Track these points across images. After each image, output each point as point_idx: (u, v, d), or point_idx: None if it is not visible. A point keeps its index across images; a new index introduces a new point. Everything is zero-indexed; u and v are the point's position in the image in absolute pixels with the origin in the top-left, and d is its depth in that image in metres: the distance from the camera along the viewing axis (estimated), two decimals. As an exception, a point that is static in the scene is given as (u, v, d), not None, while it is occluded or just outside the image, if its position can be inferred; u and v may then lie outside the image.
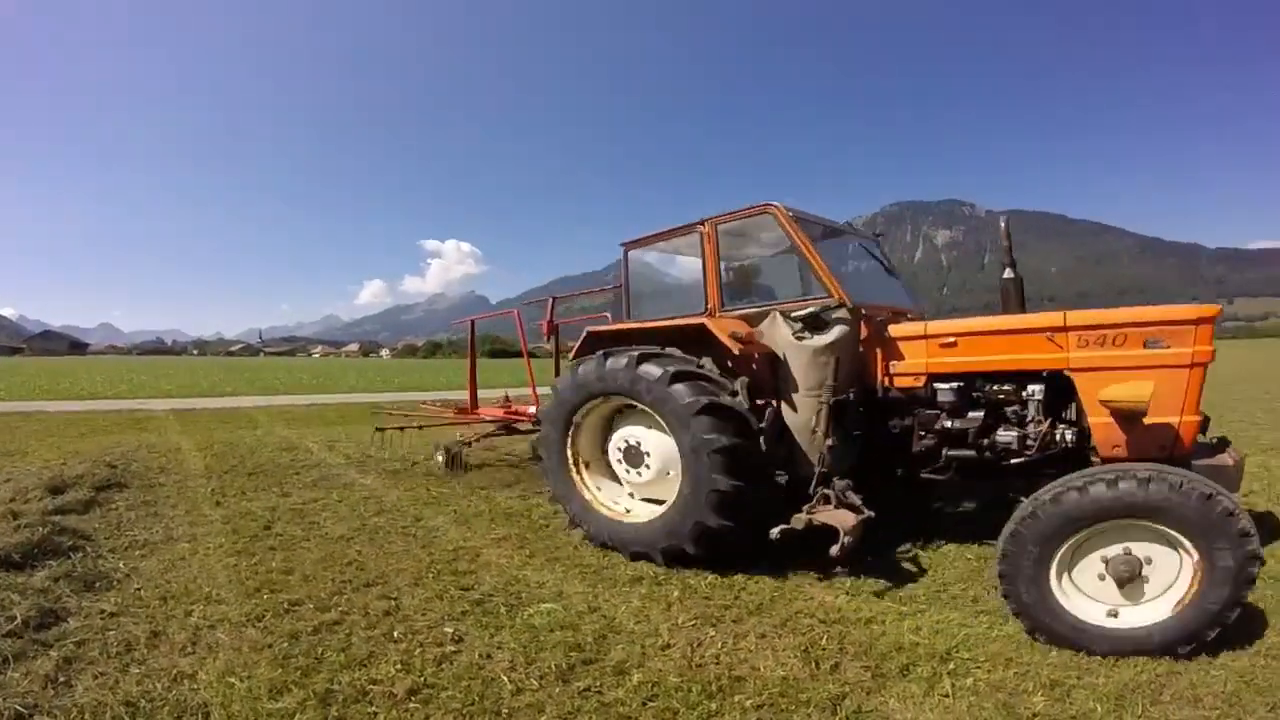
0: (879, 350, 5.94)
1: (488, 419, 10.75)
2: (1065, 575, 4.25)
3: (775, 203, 6.22)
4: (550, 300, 9.38)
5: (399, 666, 3.98)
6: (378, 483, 9.29)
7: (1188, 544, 3.91)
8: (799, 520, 5.27)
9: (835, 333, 5.61)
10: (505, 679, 3.84)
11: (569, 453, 6.78)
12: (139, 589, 5.24)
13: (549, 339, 9.39)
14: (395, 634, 4.45)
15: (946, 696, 3.70)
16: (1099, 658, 4.04)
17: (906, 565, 5.84)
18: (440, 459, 10.12)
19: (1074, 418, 5.21)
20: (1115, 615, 4.15)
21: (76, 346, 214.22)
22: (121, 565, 5.75)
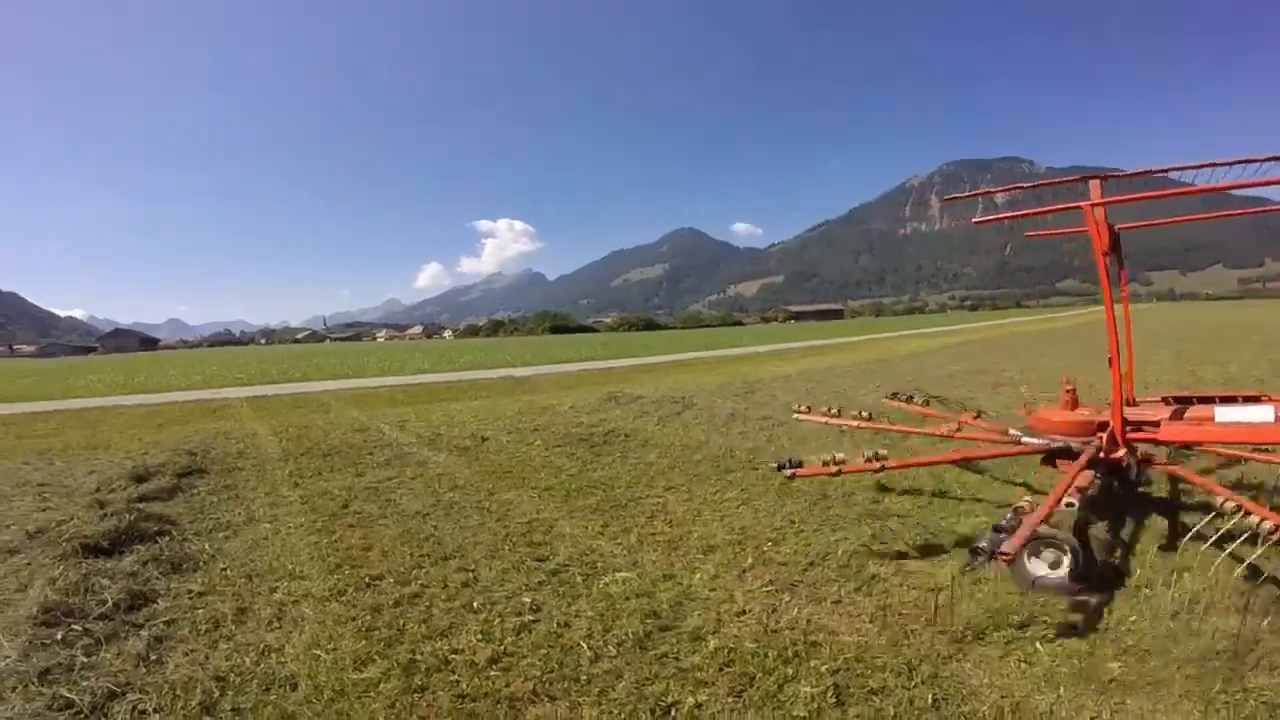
0: None
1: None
2: None
3: None
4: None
5: (479, 636, 4.07)
6: (450, 460, 9.39)
7: None
8: None
9: None
10: (584, 646, 3.91)
11: None
12: (225, 569, 5.40)
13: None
14: (474, 605, 4.54)
15: (1024, 662, 3.72)
16: (1178, 626, 4.00)
17: (989, 524, 5.75)
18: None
19: None
20: None
21: (147, 342, 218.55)
22: (207, 547, 5.91)
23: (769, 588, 4.71)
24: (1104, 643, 3.89)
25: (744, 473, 8.05)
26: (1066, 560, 4.43)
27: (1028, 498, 4.98)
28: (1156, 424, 5.55)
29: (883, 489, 6.98)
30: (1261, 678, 3.51)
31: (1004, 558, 3.88)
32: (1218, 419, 5.40)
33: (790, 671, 3.63)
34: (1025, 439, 6.04)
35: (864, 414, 7.45)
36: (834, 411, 7.61)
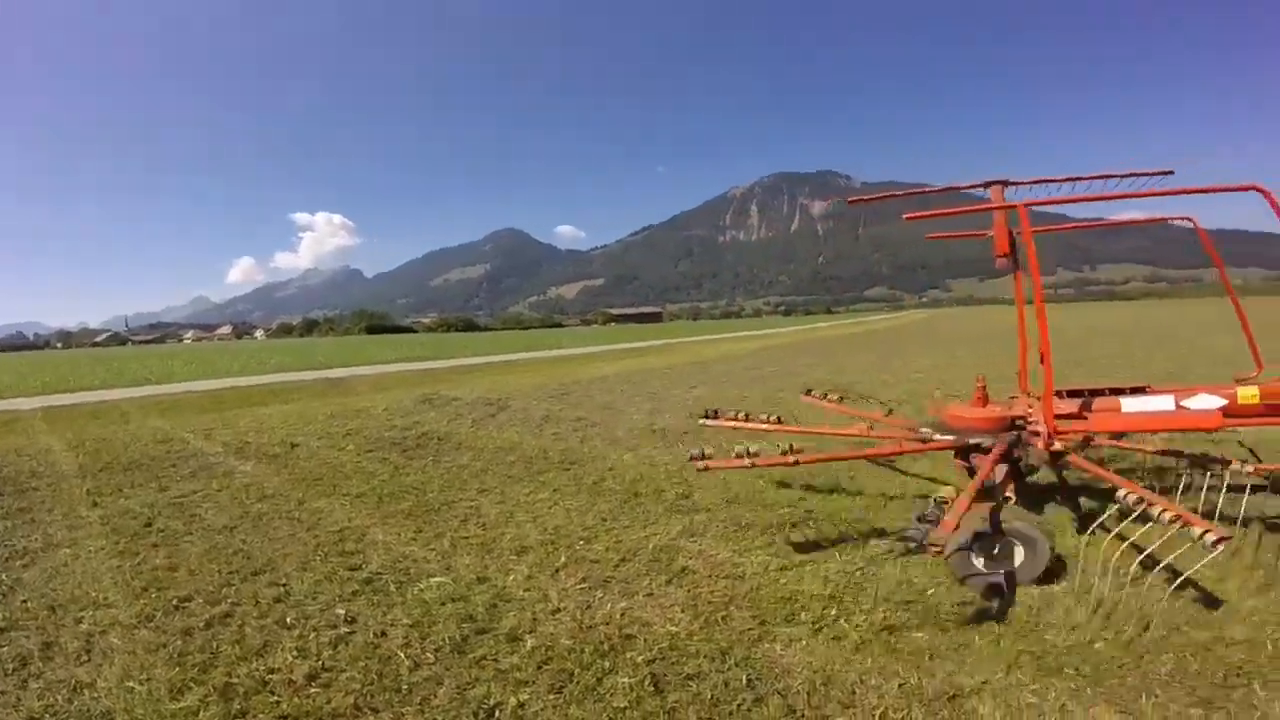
0: None
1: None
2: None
3: None
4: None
5: (295, 653, 4.00)
6: (259, 469, 9.14)
7: None
8: None
9: None
10: (402, 655, 3.90)
11: None
12: (25, 601, 5.09)
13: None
14: (288, 620, 4.45)
15: (835, 638, 3.94)
16: (974, 595, 4.39)
17: (790, 517, 6.17)
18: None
19: None
20: None
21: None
22: (4, 578, 5.57)
23: (583, 585, 4.81)
24: (912, 614, 4.17)
25: (557, 473, 8.18)
26: (1020, 551, 4.57)
27: (948, 488, 5.24)
28: (1085, 416, 5.69)
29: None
30: (1058, 636, 3.88)
31: (934, 550, 3.95)
32: (1124, 410, 5.67)
33: (608, 664, 3.72)
34: (937, 436, 6.18)
35: (773, 417, 7.46)
36: (742, 416, 7.58)
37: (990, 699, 3.38)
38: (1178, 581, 4.19)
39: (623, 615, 4.30)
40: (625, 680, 3.57)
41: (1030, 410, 5.87)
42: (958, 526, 4.25)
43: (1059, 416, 5.54)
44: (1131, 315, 59.98)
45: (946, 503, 4.84)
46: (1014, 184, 6.09)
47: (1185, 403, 5.59)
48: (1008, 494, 5.02)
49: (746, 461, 5.76)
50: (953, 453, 6.19)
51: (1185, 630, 3.96)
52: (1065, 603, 4.25)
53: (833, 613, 4.22)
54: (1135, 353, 21.03)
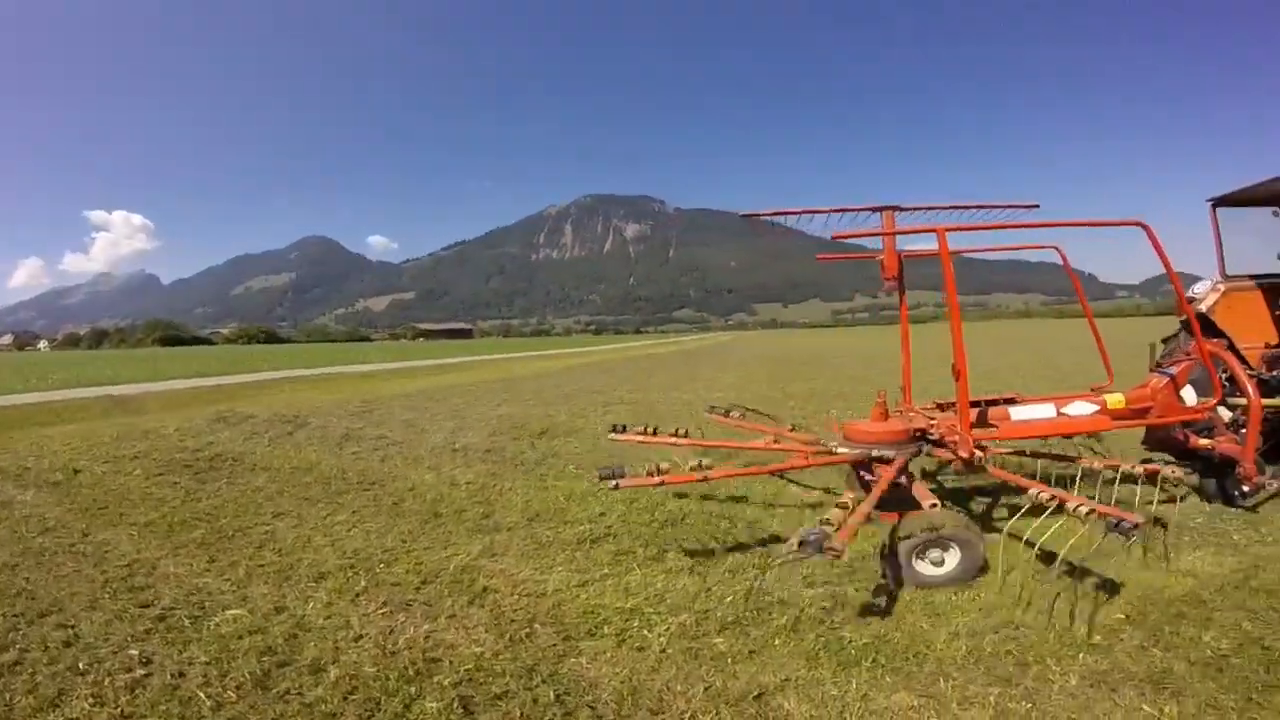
0: None
1: None
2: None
3: None
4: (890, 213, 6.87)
5: (91, 701, 3.78)
6: (39, 498, 8.54)
7: None
8: None
9: None
10: (202, 695, 3.75)
11: None
12: None
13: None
14: (80, 665, 4.19)
15: (639, 648, 4.04)
16: (770, 598, 4.68)
17: (591, 533, 6.31)
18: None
19: None
20: None
21: None
22: None
23: (384, 609, 4.75)
24: (712, 621, 4.34)
25: (356, 494, 8.03)
26: (954, 555, 4.86)
27: (852, 495, 5.25)
28: (997, 425, 6.14)
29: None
30: (853, 630, 4.17)
31: (833, 553, 4.09)
32: (1014, 419, 6.21)
33: (414, 690, 3.68)
34: (840, 449, 6.28)
35: (681, 431, 7.49)
36: (651, 430, 7.58)
37: (794, 694, 3.54)
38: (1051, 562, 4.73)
39: (426, 639, 4.27)
40: (433, 705, 3.56)
41: (932, 422, 6.30)
42: (856, 533, 4.51)
43: (977, 425, 5.95)
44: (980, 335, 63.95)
45: (848, 508, 4.97)
46: (904, 209, 6.61)
47: (1065, 410, 6.23)
48: (934, 501, 5.25)
49: (657, 480, 5.76)
50: (852, 466, 6.42)
51: (979, 615, 4.37)
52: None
53: (635, 624, 4.33)
54: (990, 368, 22.46)
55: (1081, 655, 3.90)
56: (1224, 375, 6.43)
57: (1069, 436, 7.38)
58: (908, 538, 4.90)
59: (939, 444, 6.17)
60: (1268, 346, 7.37)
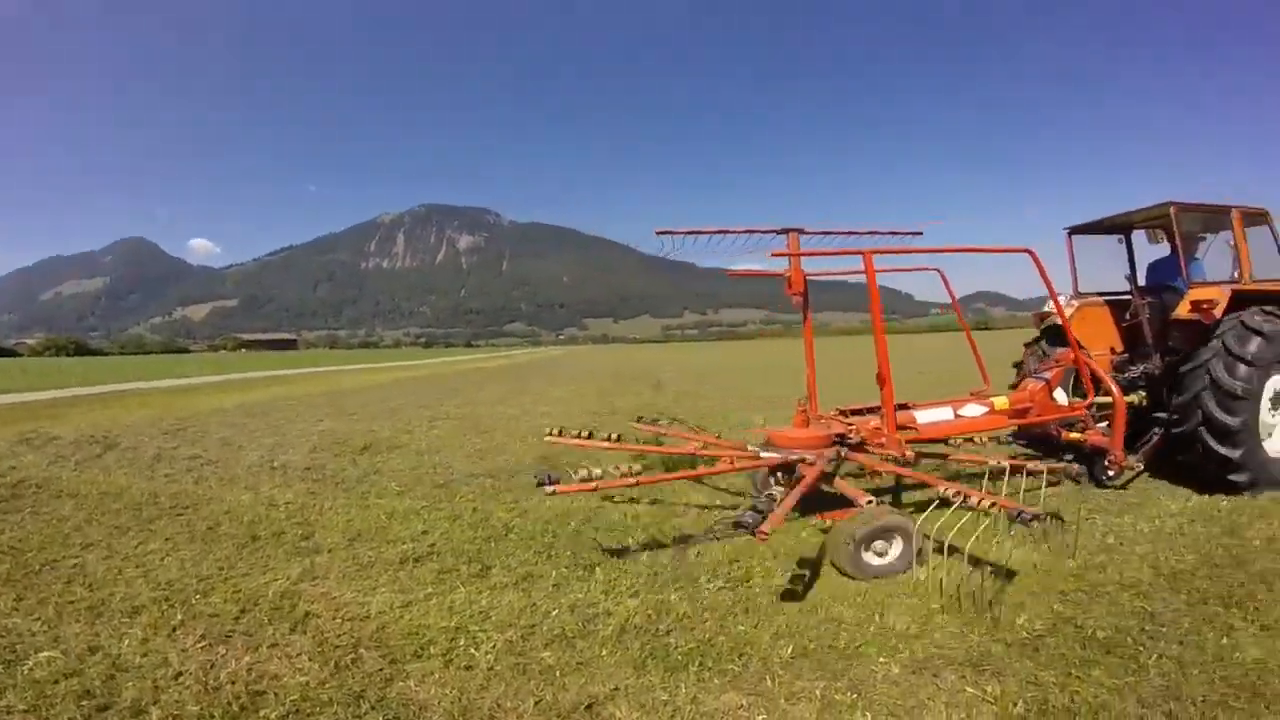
0: None
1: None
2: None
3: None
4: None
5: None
6: None
7: None
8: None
9: None
10: (24, 746, 3.51)
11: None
12: None
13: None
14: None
15: (467, 667, 3.98)
16: (596, 609, 4.69)
17: (414, 552, 6.17)
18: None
19: None
20: None
21: None
22: None
23: (203, 643, 4.52)
24: (538, 636, 4.31)
25: (169, 520, 7.59)
26: (897, 545, 5.25)
27: (779, 488, 5.79)
28: (915, 428, 6.96)
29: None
30: (679, 637, 4.21)
31: (761, 537, 4.61)
32: (920, 422, 7.06)
33: None
34: (764, 454, 6.63)
35: (614, 436, 7.76)
36: (585, 435, 7.79)
37: (625, 702, 3.55)
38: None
39: (249, 671, 4.09)
40: (260, 740, 3.41)
41: (850, 427, 6.92)
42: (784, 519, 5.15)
43: (901, 427, 6.75)
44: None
45: (776, 498, 5.48)
46: (807, 232, 7.11)
47: (960, 412, 7.26)
48: (870, 499, 5.64)
49: (592, 484, 6.06)
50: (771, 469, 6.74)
51: (800, 615, 4.49)
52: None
53: (462, 643, 4.27)
54: (846, 379, 22.77)
55: (902, 644, 4.07)
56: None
57: (971, 436, 7.99)
58: (855, 531, 5.22)
59: (857, 447, 6.75)
60: (1114, 353, 8.66)
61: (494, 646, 4.20)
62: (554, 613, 4.67)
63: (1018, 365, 9.32)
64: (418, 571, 5.64)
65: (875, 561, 5.27)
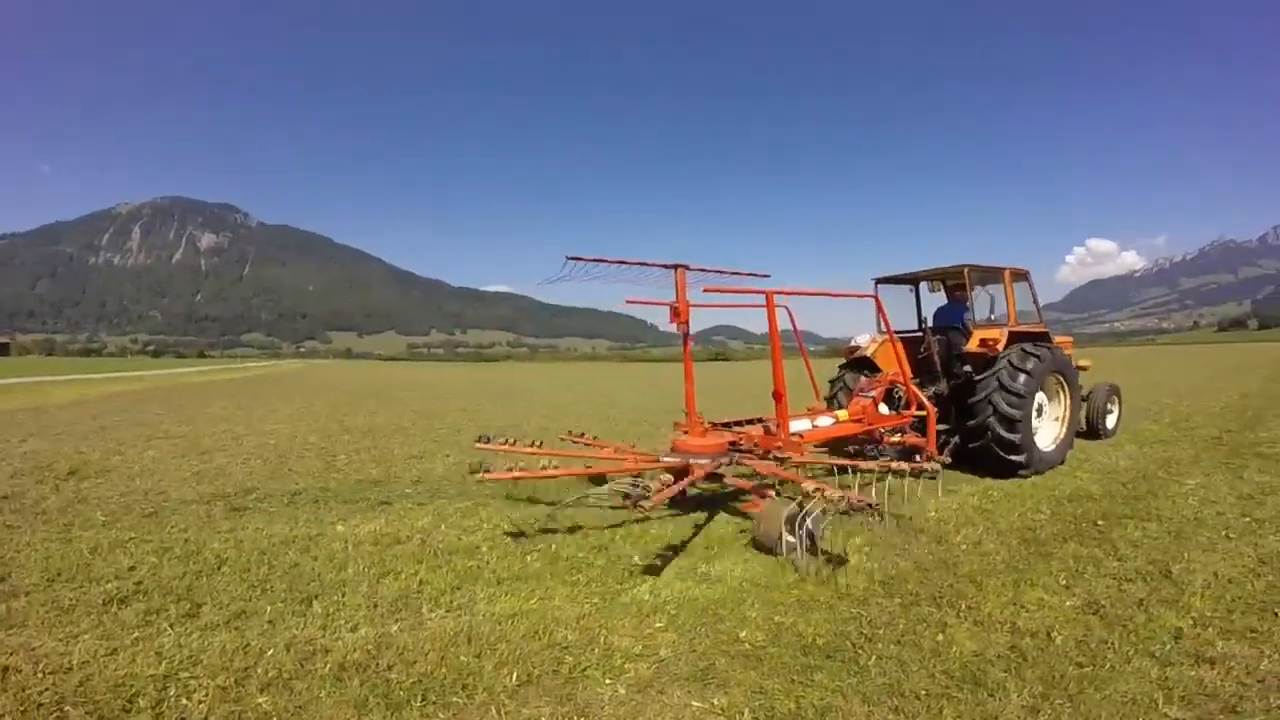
0: None
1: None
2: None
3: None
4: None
5: None
6: None
7: None
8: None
9: None
10: None
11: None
12: None
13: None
14: None
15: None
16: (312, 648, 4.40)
17: (119, 591, 5.57)
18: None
19: None
20: None
21: None
22: None
23: None
24: (250, 679, 4.00)
25: None
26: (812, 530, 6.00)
27: (664, 476, 6.34)
28: (799, 435, 8.14)
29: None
30: (399, 673, 3.99)
31: (642, 508, 5.59)
32: (796, 429, 8.27)
33: None
34: (665, 458, 7.73)
35: (538, 443, 9.09)
36: (512, 441, 8.99)
37: None
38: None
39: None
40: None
41: (741, 435, 8.17)
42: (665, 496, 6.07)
43: (794, 434, 8.04)
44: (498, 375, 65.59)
45: (658, 481, 6.17)
46: (693, 269, 7.98)
47: (816, 422, 8.87)
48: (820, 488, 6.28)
49: (516, 473, 7.36)
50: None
51: (523, 641, 4.36)
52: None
53: (172, 692, 3.91)
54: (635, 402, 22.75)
55: (627, 663, 4.04)
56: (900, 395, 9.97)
57: (840, 439, 9.62)
58: (782, 518, 5.99)
59: (748, 452, 7.88)
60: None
61: (206, 695, 3.88)
62: (269, 652, 4.33)
63: (833, 383, 11.33)
64: (123, 614, 5.13)
65: (790, 546, 5.95)
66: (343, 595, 5.20)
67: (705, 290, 7.88)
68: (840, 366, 11.61)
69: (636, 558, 5.99)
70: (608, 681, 3.83)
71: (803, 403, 9.70)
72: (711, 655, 4.13)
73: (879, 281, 11.35)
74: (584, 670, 3.97)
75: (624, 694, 3.70)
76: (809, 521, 5.96)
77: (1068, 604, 4.95)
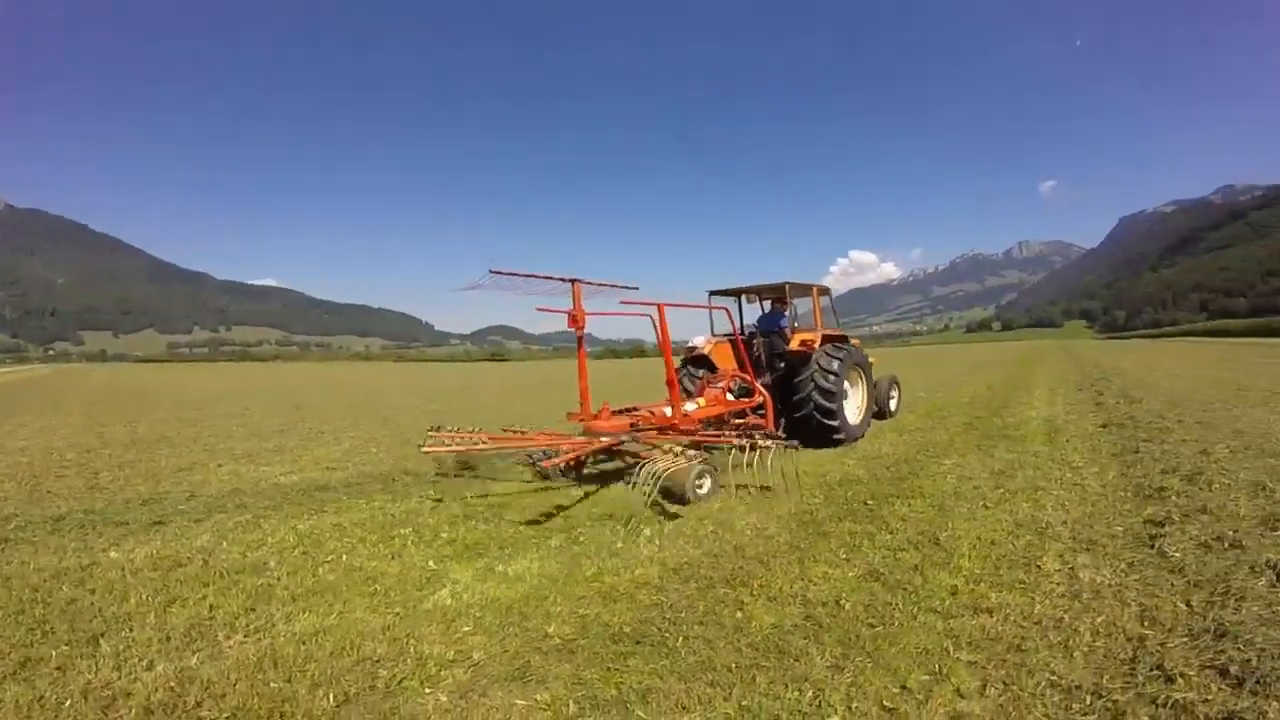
0: None
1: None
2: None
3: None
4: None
5: None
6: None
7: None
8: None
9: None
10: None
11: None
12: None
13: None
14: None
15: None
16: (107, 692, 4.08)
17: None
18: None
19: None
20: None
21: None
22: None
23: None
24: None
25: None
26: (708, 481, 8.13)
27: (565, 446, 9.01)
28: (690, 415, 10.52)
29: None
30: (209, 709, 3.77)
31: (546, 464, 8.22)
32: (686, 410, 10.54)
33: None
34: (578, 436, 9.66)
35: (479, 429, 11.13)
36: (465, 430, 11.02)
37: None
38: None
39: None
40: None
41: (638, 417, 10.08)
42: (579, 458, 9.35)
43: (685, 415, 10.33)
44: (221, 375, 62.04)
45: (560, 450, 8.94)
46: (585, 283, 9.45)
47: (687, 407, 10.72)
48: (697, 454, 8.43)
49: (457, 447, 9.69)
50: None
51: (331, 659, 4.25)
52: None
53: None
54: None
55: (443, 671, 4.01)
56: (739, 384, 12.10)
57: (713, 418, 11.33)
58: (693, 472, 7.95)
59: (647, 430, 9.76)
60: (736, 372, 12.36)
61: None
62: (66, 703, 3.92)
63: (680, 380, 12.50)
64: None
65: (701, 491, 7.99)
66: (130, 630, 4.76)
67: (621, 301, 9.70)
68: (682, 363, 13.24)
69: (432, 563, 5.91)
70: (427, 691, 3.78)
71: (646, 395, 11.58)
72: (525, 653, 4.16)
73: (712, 293, 13.35)
74: (400, 682, 3.90)
75: (447, 701, 3.67)
76: (706, 475, 8.12)
77: (850, 575, 5.31)
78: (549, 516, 7.45)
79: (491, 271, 8.73)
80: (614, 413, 10.29)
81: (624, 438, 9.39)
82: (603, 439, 9.30)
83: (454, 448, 9.60)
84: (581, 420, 9.91)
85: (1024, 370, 33.36)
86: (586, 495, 8.50)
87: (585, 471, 10.10)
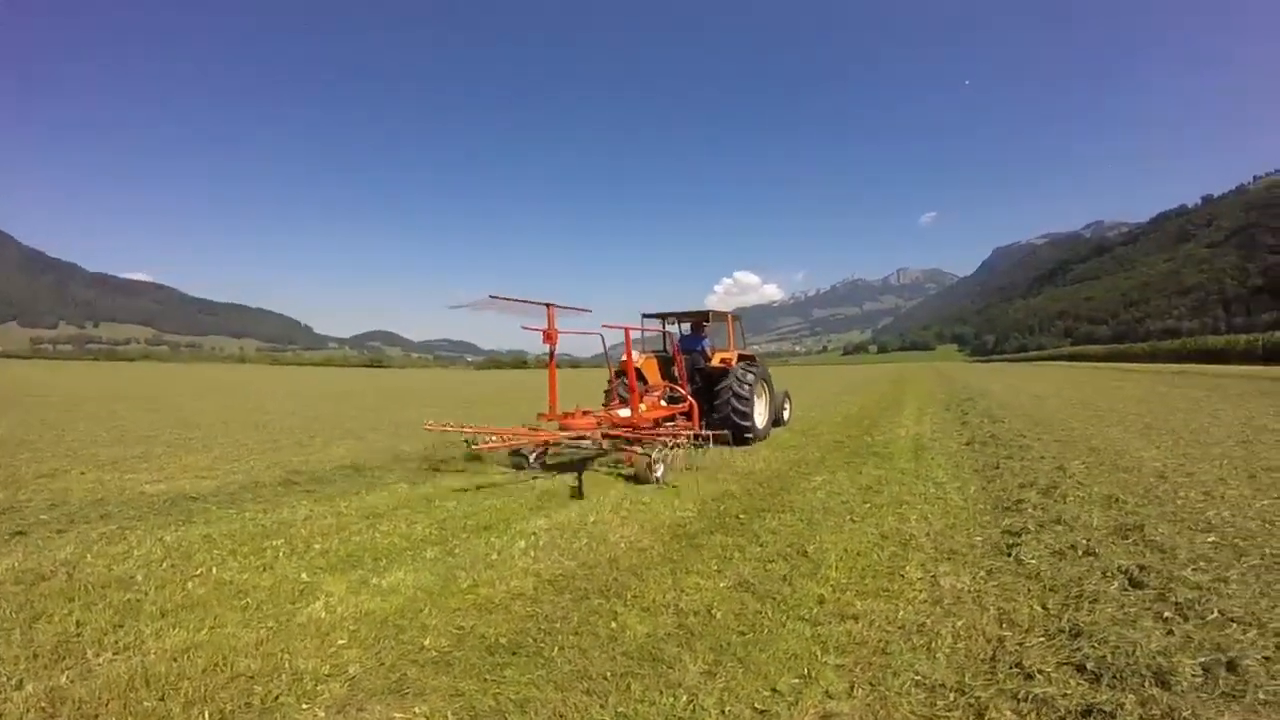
0: None
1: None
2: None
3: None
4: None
5: None
6: None
7: None
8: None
9: None
10: None
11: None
12: None
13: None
14: None
15: None
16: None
17: None
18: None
19: None
20: None
21: None
22: None
23: None
24: None
25: None
26: (660, 466, 9.89)
27: (553, 443, 11.06)
28: (645, 413, 12.66)
29: None
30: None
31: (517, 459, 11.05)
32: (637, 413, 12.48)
33: None
34: (559, 432, 11.03)
35: (468, 425, 12.88)
36: (458, 425, 12.43)
37: None
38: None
39: None
40: None
41: (603, 417, 12.02)
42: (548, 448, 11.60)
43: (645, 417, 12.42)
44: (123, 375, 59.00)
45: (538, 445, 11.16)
46: (559, 307, 11.54)
47: (621, 411, 12.51)
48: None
49: (446, 427, 11.80)
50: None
51: (205, 676, 4.15)
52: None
53: None
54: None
55: (319, 685, 3.97)
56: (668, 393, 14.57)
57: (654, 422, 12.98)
58: (652, 459, 9.89)
59: (614, 426, 11.65)
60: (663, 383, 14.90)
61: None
62: None
63: (606, 392, 14.82)
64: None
65: (657, 475, 9.75)
66: (-10, 649, 4.60)
67: (604, 325, 12.58)
68: (615, 374, 14.85)
69: (305, 575, 5.80)
70: (304, 707, 3.74)
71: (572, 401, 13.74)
72: (401, 666, 4.15)
73: (645, 316, 15.79)
74: (277, 699, 3.84)
75: (325, 717, 3.65)
76: (662, 463, 9.98)
77: (721, 585, 5.44)
78: (425, 527, 7.39)
79: (491, 296, 10.71)
80: (584, 414, 11.95)
81: (585, 431, 11.00)
82: (615, 429, 11.52)
83: (490, 444, 10.96)
84: (553, 419, 11.56)
85: (896, 390, 34.63)
86: (462, 506, 8.44)
87: (547, 462, 11.79)
